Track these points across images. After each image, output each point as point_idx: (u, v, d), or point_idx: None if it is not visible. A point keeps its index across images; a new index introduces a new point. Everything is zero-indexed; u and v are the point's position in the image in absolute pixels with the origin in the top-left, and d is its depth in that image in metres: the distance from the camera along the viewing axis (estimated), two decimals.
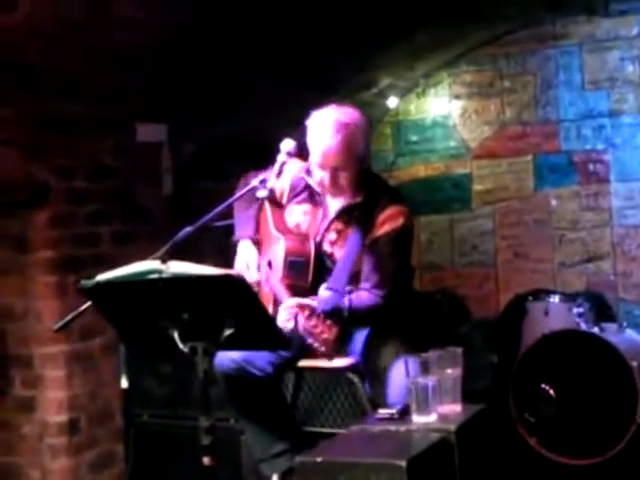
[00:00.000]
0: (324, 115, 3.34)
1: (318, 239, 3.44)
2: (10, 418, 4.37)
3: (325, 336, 3.03)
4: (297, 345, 3.29)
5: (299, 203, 3.53)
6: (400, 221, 3.37)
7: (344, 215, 3.42)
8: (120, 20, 3.74)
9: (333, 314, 3.13)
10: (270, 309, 3.32)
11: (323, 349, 3.04)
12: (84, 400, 4.39)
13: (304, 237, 3.46)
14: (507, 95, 6.12)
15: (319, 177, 3.37)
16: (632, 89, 5.73)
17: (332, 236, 3.43)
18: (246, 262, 3.51)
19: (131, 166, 4.61)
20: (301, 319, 3.08)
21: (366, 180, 3.44)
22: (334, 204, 3.45)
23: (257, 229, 3.59)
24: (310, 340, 3.06)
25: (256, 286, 3.44)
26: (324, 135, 3.29)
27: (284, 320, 3.16)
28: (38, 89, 3.90)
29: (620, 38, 5.75)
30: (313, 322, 3.06)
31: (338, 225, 3.43)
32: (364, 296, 3.34)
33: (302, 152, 3.40)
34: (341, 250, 3.39)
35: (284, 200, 3.58)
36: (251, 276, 3.45)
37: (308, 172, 3.46)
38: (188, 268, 2.57)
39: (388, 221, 3.36)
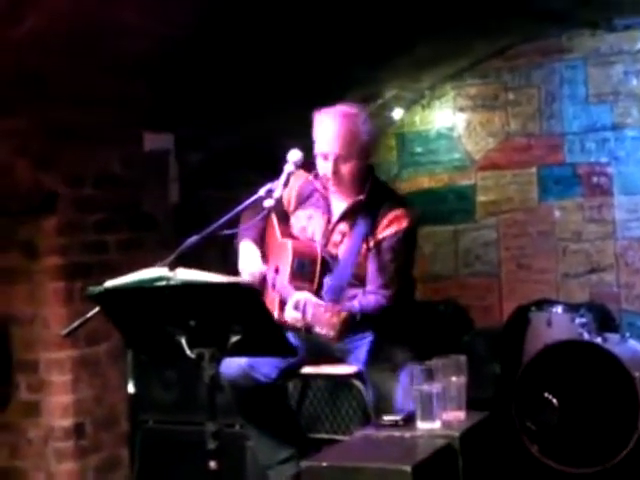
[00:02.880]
0: (329, 108, 3.47)
1: (323, 241, 3.48)
2: (16, 422, 4.40)
3: (334, 320, 3.04)
4: (304, 349, 3.32)
5: (304, 209, 3.58)
6: (404, 224, 3.42)
7: (348, 216, 3.47)
8: (124, 29, 3.75)
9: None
10: (276, 314, 3.34)
11: (332, 333, 3.04)
12: (90, 405, 4.41)
13: (310, 240, 3.50)
14: (512, 107, 6.13)
15: (323, 169, 3.42)
16: (635, 103, 5.75)
17: (336, 238, 3.47)
18: (249, 257, 3.52)
19: (138, 174, 4.65)
20: (309, 308, 3.11)
21: (370, 181, 3.50)
22: (338, 207, 3.50)
23: (262, 238, 3.61)
24: (317, 328, 3.08)
25: (261, 279, 3.47)
26: (328, 122, 3.41)
27: (292, 310, 3.19)
28: (47, 99, 3.93)
29: (624, 52, 5.78)
30: (322, 307, 3.10)
31: (342, 227, 3.47)
32: (371, 298, 3.37)
33: (308, 163, 3.45)
34: None
35: (291, 207, 3.62)
36: (255, 267, 3.48)
37: (316, 177, 3.51)
38: (196, 275, 2.60)
39: (393, 223, 3.41)
